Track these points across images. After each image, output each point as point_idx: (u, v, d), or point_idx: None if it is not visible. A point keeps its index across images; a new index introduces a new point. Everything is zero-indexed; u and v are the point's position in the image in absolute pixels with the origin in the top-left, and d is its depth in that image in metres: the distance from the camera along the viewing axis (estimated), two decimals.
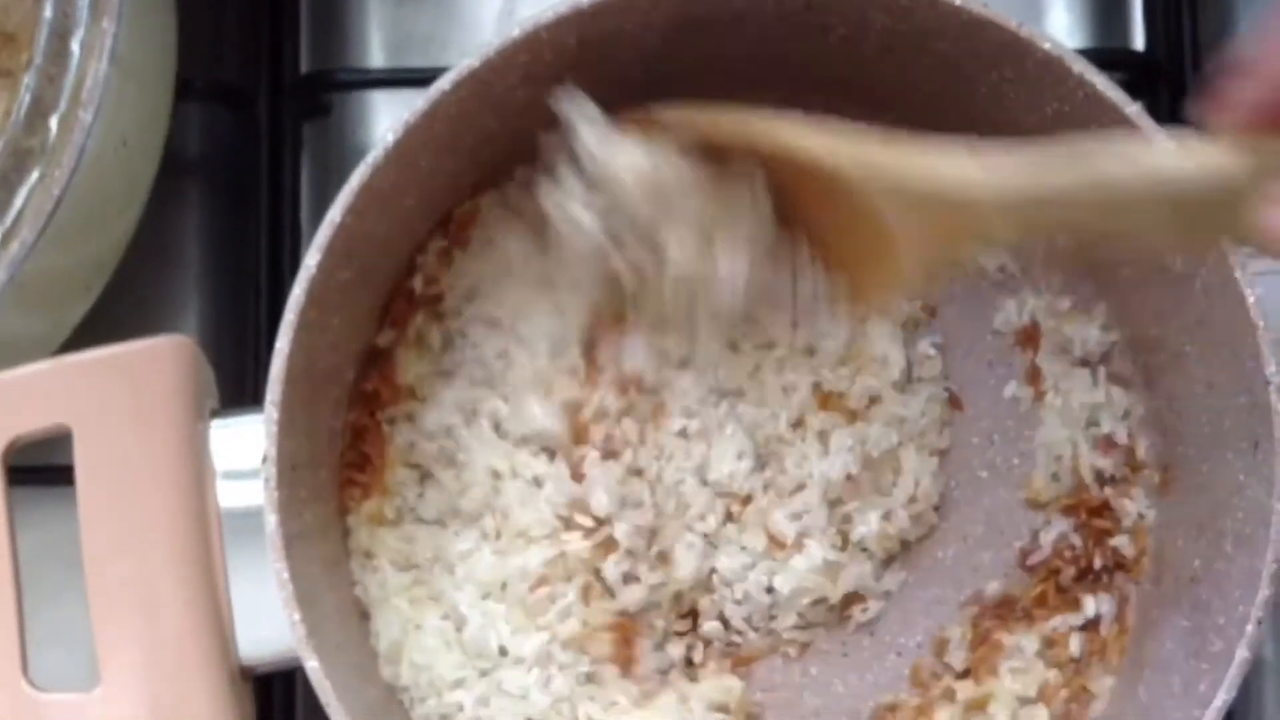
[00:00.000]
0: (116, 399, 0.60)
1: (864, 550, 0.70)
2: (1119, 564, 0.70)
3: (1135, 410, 0.70)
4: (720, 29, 0.66)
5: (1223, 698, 0.60)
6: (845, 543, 0.70)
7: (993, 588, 0.71)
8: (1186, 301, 0.65)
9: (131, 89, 0.66)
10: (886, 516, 0.70)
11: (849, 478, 0.69)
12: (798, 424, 0.70)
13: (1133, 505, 0.70)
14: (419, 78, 0.80)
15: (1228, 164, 0.47)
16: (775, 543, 0.69)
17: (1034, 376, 0.72)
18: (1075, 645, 0.69)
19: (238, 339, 0.77)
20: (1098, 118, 0.62)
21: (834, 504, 0.69)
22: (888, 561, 0.72)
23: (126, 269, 0.73)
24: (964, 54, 0.64)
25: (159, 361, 0.60)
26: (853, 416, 0.70)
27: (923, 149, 0.55)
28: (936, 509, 0.72)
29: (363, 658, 0.66)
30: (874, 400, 0.70)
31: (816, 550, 0.68)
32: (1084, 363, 0.71)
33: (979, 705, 0.69)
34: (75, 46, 0.63)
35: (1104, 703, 0.69)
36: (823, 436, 0.70)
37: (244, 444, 0.62)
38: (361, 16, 0.82)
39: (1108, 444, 0.71)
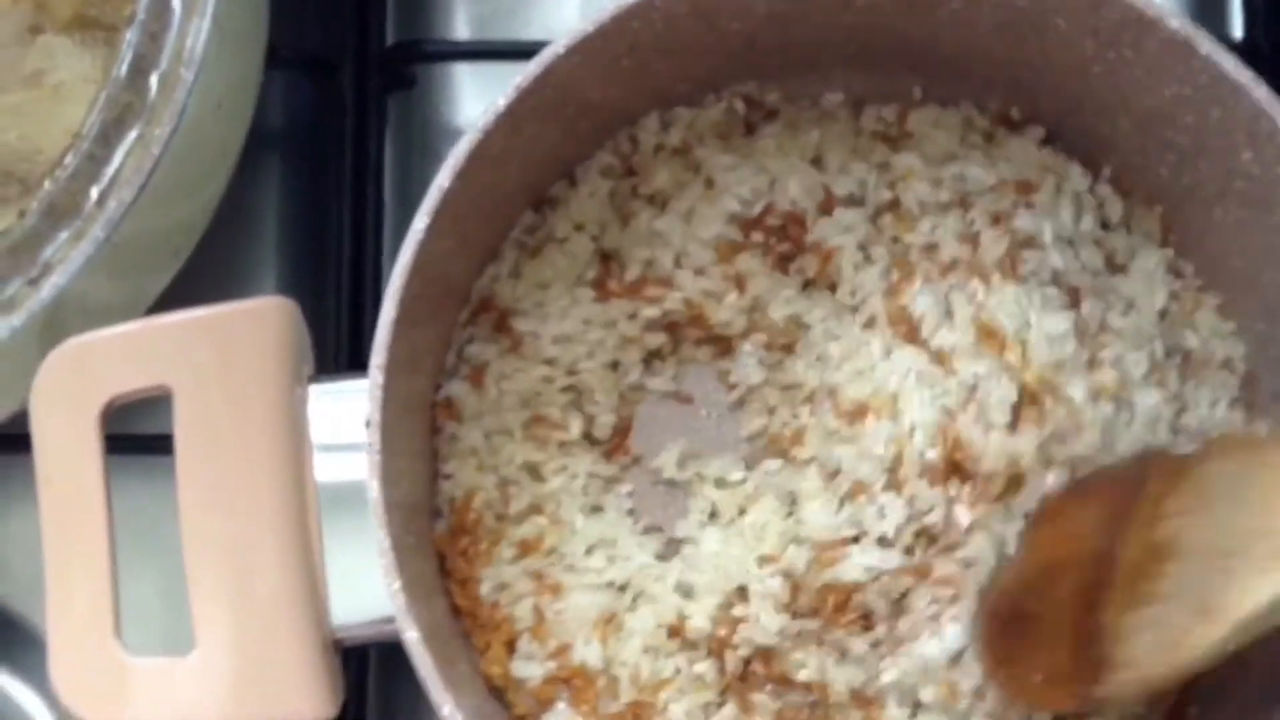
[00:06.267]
0: (217, 359, 0.59)
1: None
2: None
3: None
4: (828, 2, 0.65)
5: None
6: None
7: None
8: None
9: (227, 51, 0.65)
10: None
11: None
12: None
13: None
14: (505, 51, 0.79)
15: None
16: None
17: None
18: None
19: (317, 310, 0.76)
20: (1220, 101, 0.61)
21: None
22: None
23: (208, 237, 0.72)
24: (1083, 31, 0.62)
25: (261, 322, 0.59)
26: None
27: None
28: None
29: (450, 636, 0.65)
30: None
31: None
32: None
33: None
34: (176, 4, 0.62)
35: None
36: None
37: (340, 411, 0.61)
38: None
39: None
